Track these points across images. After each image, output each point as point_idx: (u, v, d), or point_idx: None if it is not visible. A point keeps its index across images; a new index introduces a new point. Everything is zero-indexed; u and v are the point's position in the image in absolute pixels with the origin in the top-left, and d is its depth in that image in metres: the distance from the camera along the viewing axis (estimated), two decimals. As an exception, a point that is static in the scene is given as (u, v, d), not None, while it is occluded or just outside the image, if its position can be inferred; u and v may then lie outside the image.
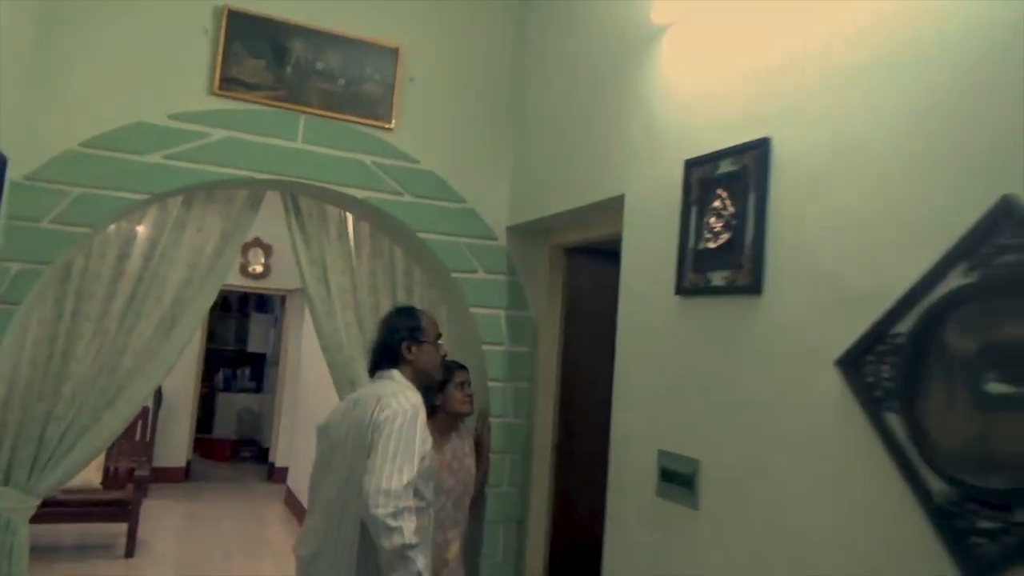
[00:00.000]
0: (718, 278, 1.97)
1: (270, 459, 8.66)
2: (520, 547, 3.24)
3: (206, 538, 6.18)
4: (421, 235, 3.14)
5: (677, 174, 2.18)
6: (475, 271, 3.21)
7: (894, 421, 1.48)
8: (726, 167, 2.00)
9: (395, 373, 2.28)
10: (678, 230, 2.15)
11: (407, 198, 3.12)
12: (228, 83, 2.85)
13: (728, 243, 1.95)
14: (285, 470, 7.93)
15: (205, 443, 9.25)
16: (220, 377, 10.06)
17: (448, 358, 2.63)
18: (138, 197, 2.73)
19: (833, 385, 1.62)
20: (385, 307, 3.33)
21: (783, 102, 1.86)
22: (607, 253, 3.26)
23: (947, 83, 1.47)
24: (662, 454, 2.14)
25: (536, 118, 3.16)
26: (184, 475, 8.10)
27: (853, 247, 1.63)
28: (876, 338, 1.52)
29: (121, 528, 5.46)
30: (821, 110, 1.75)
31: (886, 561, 1.48)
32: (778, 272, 1.81)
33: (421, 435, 2.10)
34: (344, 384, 3.25)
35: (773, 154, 1.86)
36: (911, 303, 1.46)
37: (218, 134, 2.83)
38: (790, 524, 1.71)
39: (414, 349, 2.31)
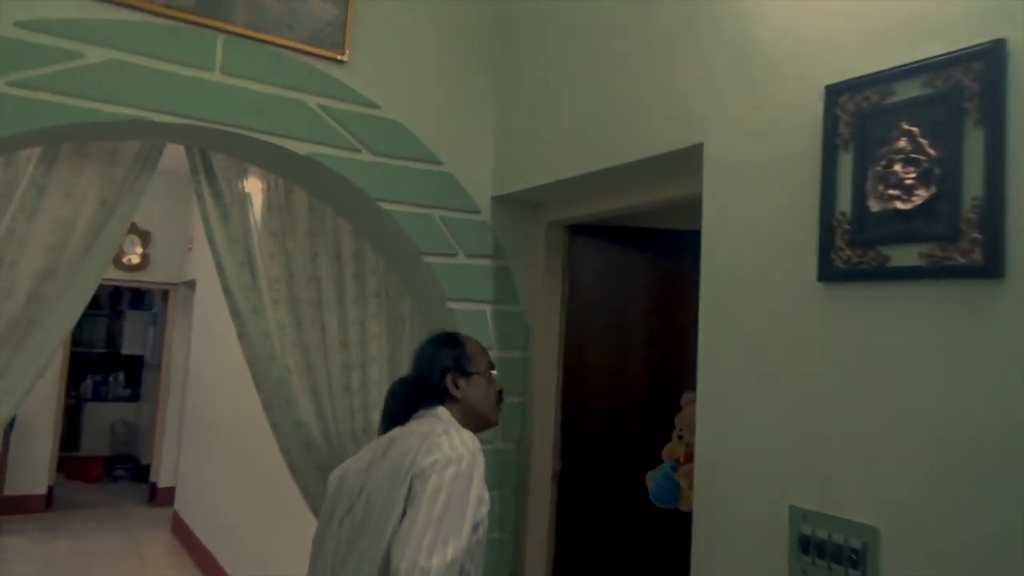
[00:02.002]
0: (910, 255, 1.32)
1: (151, 478, 7.58)
2: (512, 608, 2.52)
3: (76, 584, 5.18)
4: (384, 205, 2.34)
5: (811, 107, 1.51)
6: (454, 254, 2.44)
7: None
8: (912, 90, 1.34)
9: (441, 411, 1.75)
10: (818, 187, 1.48)
11: (365, 155, 2.31)
12: (110, -19, 1.96)
13: (930, 202, 1.29)
14: (171, 490, 6.91)
15: (72, 463, 8.05)
16: (88, 385, 8.77)
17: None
18: (-30, 143, 1.82)
19: None
20: (329, 302, 2.53)
21: (1031, -17, 1.22)
22: (624, 231, 2.58)
23: None
24: (799, 514, 1.47)
25: (541, 48, 2.40)
26: (46, 503, 6.90)
27: None
28: None
29: (-37, 582, 4.44)
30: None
31: None
32: (1035, 244, 1.18)
33: (477, 494, 1.54)
34: (279, 408, 2.42)
35: (1011, 65, 1.22)
36: None
37: (96, 55, 1.94)
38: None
39: (461, 383, 1.80)
